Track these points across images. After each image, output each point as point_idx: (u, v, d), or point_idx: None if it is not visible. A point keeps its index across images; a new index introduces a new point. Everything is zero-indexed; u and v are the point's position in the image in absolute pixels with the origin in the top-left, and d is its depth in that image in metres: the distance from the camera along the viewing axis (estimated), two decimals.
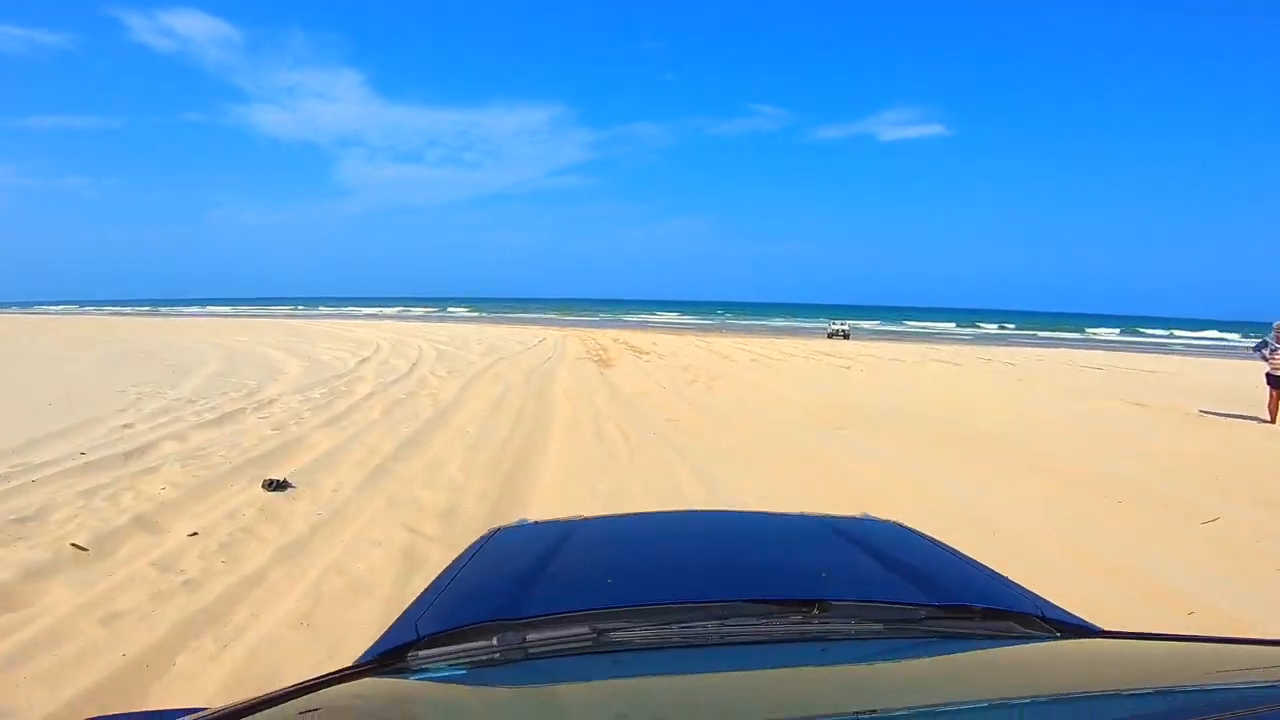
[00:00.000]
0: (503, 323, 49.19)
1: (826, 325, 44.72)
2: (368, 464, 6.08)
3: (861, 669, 1.02)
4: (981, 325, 63.29)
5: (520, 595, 1.20)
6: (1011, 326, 61.57)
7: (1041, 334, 54.77)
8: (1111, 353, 28.25)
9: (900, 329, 55.25)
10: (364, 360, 15.57)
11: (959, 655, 1.04)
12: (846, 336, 38.58)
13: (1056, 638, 1.09)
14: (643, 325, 51.16)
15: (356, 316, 57.68)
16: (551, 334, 30.47)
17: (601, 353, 20.14)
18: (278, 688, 0.93)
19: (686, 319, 67.55)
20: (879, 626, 1.09)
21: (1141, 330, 61.41)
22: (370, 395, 10.11)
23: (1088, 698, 0.81)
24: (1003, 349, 29.14)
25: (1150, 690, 0.82)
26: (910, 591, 1.21)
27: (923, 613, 1.12)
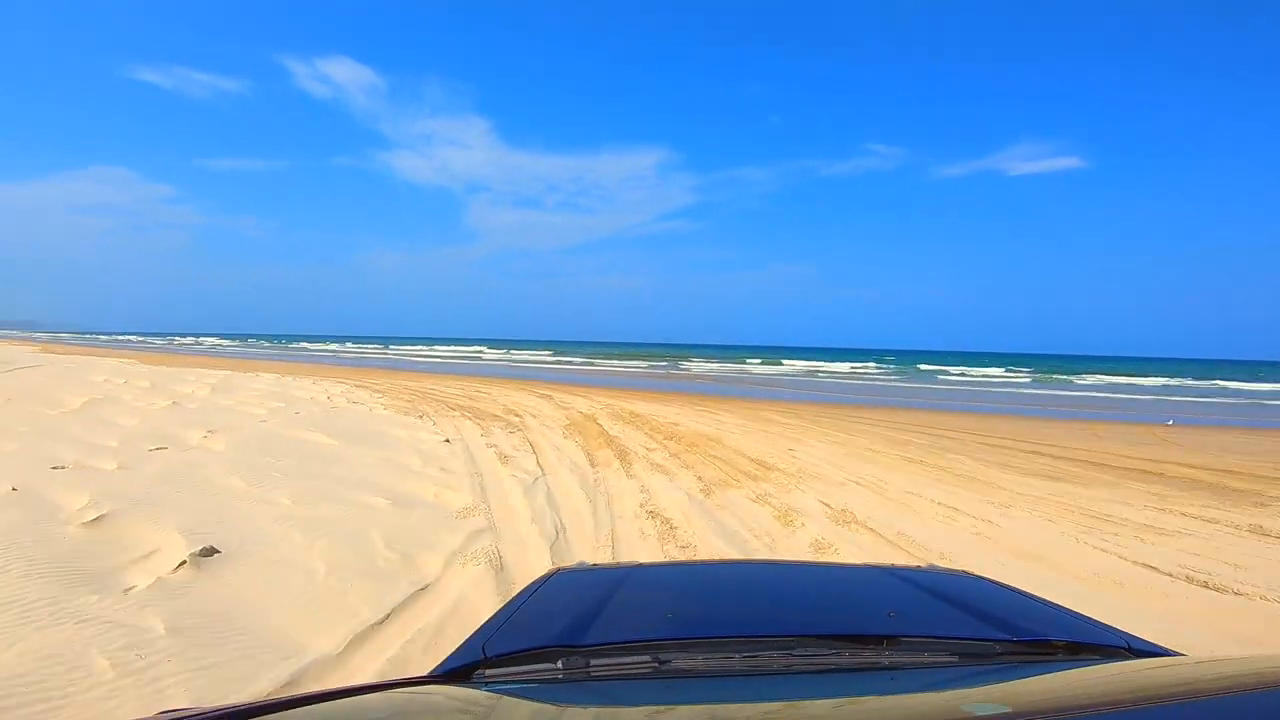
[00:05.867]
0: (576, 382, 24.35)
1: None
2: None
3: (935, 694, 0.95)
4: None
5: (583, 626, 1.23)
6: None
7: None
8: None
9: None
10: None
11: (1038, 678, 0.96)
12: None
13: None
14: (810, 397, 21.27)
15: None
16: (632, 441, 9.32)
17: None
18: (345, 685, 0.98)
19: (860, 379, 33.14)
20: (953, 658, 1.02)
21: None
22: None
23: (1180, 709, 0.73)
24: None
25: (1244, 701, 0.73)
26: (986, 630, 1.12)
27: (999, 647, 1.04)
